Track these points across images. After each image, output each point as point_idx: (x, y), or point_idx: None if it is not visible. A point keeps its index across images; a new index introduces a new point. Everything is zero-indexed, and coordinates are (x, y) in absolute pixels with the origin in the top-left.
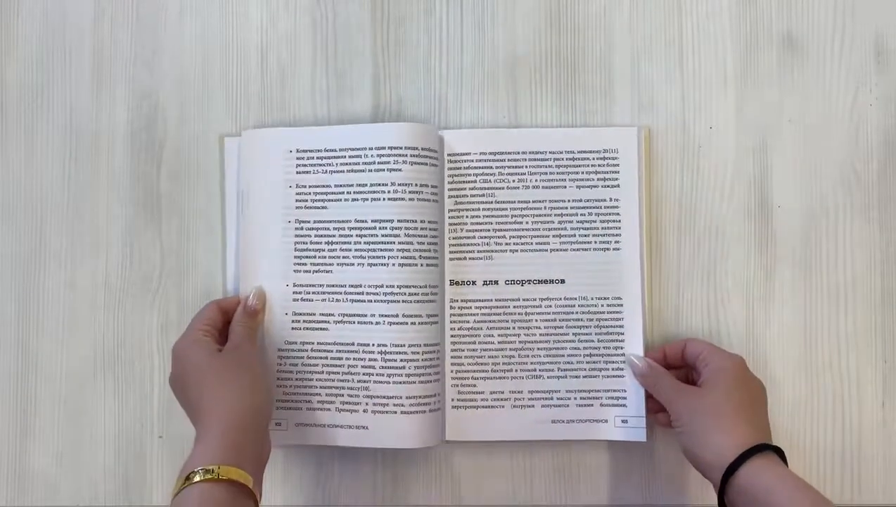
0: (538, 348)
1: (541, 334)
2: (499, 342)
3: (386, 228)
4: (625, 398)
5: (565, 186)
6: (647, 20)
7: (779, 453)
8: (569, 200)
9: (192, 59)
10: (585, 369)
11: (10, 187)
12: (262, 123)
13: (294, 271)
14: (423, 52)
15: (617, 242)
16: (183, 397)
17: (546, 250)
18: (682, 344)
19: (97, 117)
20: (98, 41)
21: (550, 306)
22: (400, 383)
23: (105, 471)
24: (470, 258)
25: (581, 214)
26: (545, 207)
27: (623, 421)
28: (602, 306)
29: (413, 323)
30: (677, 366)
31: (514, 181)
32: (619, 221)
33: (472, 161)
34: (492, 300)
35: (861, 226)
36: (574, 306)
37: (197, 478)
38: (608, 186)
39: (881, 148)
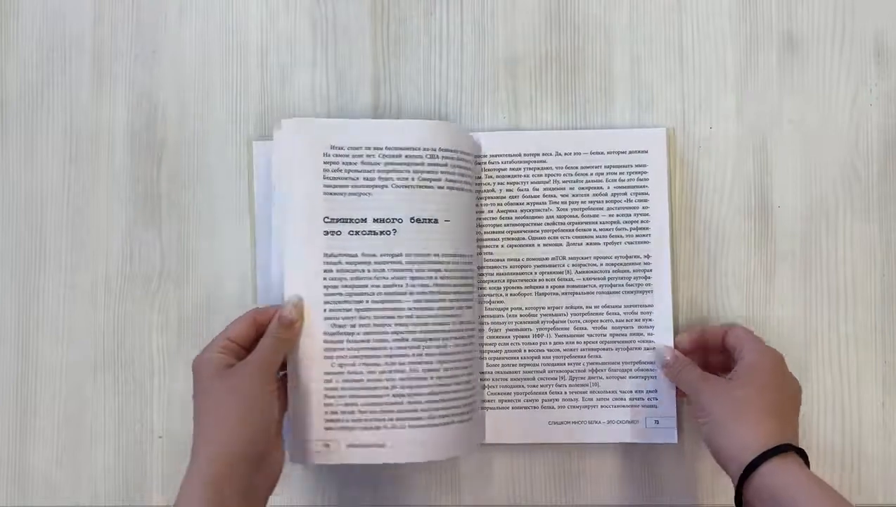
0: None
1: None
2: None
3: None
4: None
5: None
6: (647, 20)
7: (803, 455)
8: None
9: (192, 59)
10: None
11: (10, 187)
12: (262, 123)
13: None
14: (424, 52)
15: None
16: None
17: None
18: (722, 330)
19: (97, 117)
20: (98, 41)
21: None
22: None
23: (105, 471)
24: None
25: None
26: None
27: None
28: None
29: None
30: (715, 351)
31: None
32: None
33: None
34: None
35: (861, 226)
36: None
37: None
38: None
39: (881, 148)
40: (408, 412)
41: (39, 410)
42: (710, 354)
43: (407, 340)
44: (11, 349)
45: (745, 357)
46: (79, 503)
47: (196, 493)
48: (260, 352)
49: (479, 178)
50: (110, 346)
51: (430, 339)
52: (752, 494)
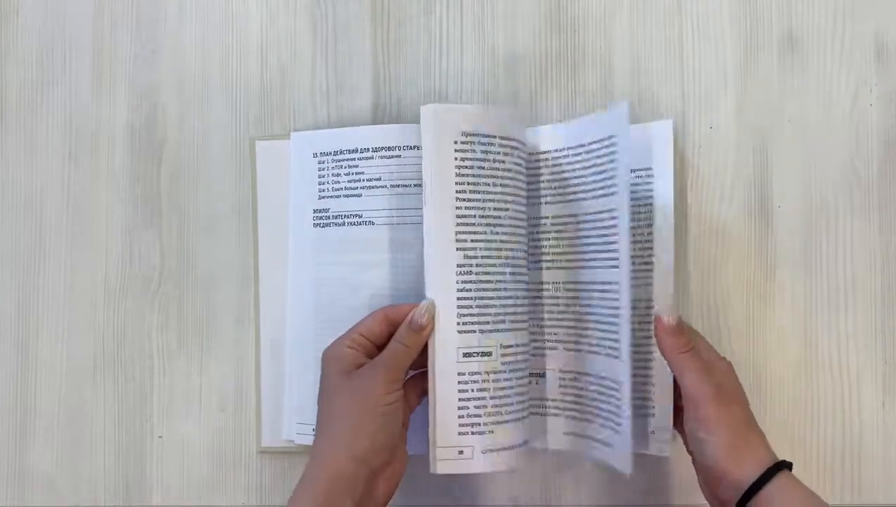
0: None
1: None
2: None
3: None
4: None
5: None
6: (647, 20)
7: (789, 467)
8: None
9: (192, 59)
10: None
11: (10, 187)
12: (262, 123)
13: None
14: (423, 52)
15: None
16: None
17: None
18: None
19: (97, 117)
20: (98, 41)
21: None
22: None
23: (105, 471)
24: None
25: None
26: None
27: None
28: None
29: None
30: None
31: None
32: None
33: None
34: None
35: (861, 226)
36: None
37: None
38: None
39: (881, 148)
40: None
41: (39, 410)
42: None
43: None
44: (11, 349)
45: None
46: (79, 503)
47: (312, 492)
48: (387, 355)
49: None
50: (110, 346)
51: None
52: None
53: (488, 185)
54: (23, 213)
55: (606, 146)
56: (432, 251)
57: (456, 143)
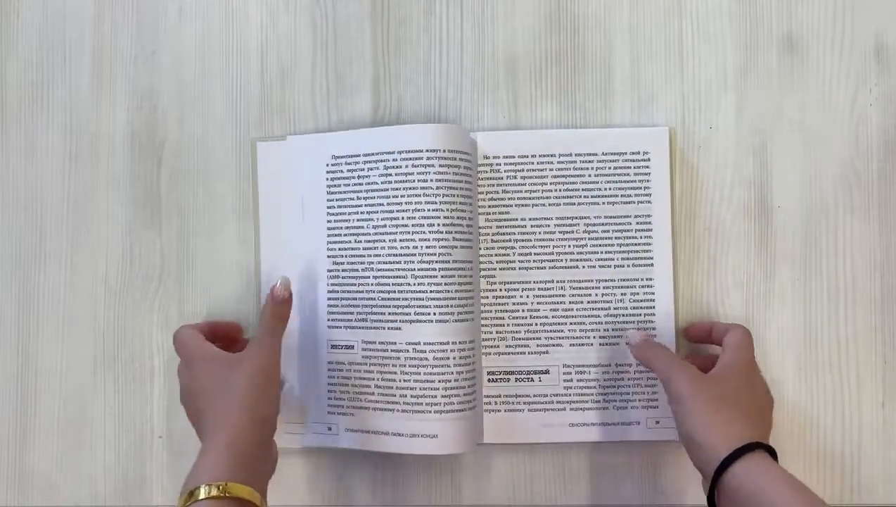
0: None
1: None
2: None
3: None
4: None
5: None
6: (647, 20)
7: (772, 454)
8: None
9: (192, 59)
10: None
11: (10, 188)
12: (262, 123)
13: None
14: (423, 52)
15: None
16: (191, 403)
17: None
18: (727, 328)
19: (97, 117)
20: (98, 41)
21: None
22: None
23: (105, 471)
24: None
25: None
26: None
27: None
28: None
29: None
30: (718, 345)
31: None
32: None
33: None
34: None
35: (861, 226)
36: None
37: (202, 494)
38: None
39: (881, 148)
40: None
41: (39, 410)
42: (714, 348)
43: None
44: (11, 349)
45: (724, 356)
46: (79, 503)
47: (221, 469)
48: (265, 329)
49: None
50: (110, 346)
51: None
52: (725, 490)
53: (352, 199)
54: (23, 213)
55: (642, 159)
56: (308, 257)
57: (327, 165)
